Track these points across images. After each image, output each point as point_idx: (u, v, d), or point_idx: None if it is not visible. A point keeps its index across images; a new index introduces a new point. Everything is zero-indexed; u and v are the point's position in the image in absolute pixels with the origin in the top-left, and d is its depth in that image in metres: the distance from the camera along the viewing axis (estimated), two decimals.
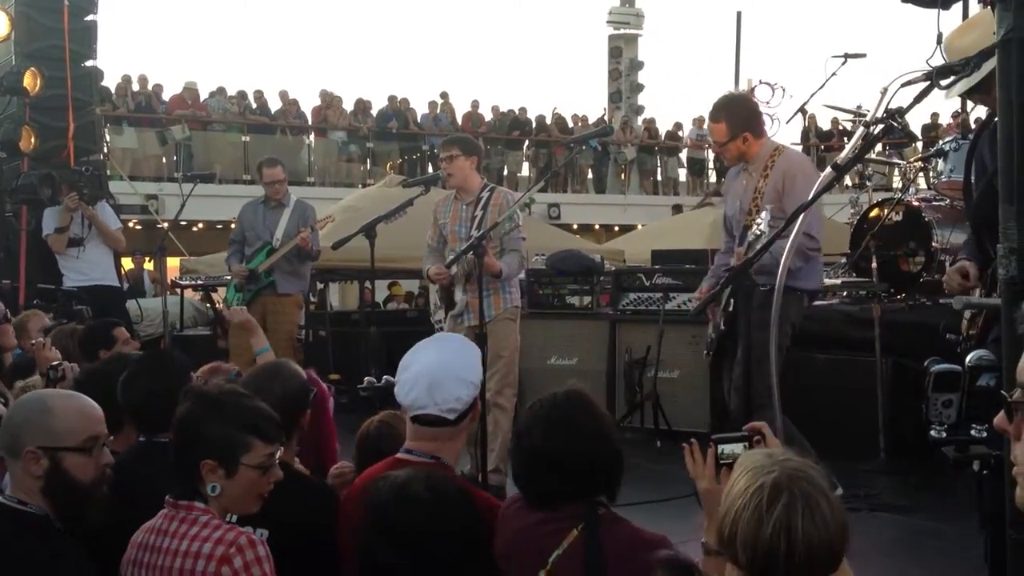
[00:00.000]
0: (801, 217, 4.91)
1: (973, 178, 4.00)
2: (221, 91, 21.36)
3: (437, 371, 3.07)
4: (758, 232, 4.86)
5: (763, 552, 1.95)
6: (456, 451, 3.15)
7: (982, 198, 3.33)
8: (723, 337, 5.85)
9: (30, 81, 8.60)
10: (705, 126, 11.01)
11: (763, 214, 4.97)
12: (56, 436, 2.77)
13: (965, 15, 9.14)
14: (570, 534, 2.57)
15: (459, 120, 23.35)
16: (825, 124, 22.86)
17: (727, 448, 2.50)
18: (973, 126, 8.99)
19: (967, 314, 3.84)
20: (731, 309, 5.69)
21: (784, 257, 5.50)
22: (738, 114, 5.90)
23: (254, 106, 21.41)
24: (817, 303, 8.70)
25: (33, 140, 8.71)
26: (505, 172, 23.53)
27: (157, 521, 2.73)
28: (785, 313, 5.40)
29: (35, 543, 2.69)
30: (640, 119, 28.31)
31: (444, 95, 23.95)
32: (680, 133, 25.84)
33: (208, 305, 13.38)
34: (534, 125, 24.21)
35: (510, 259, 6.33)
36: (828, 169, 4.55)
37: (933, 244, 7.86)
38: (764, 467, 2.01)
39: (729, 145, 5.85)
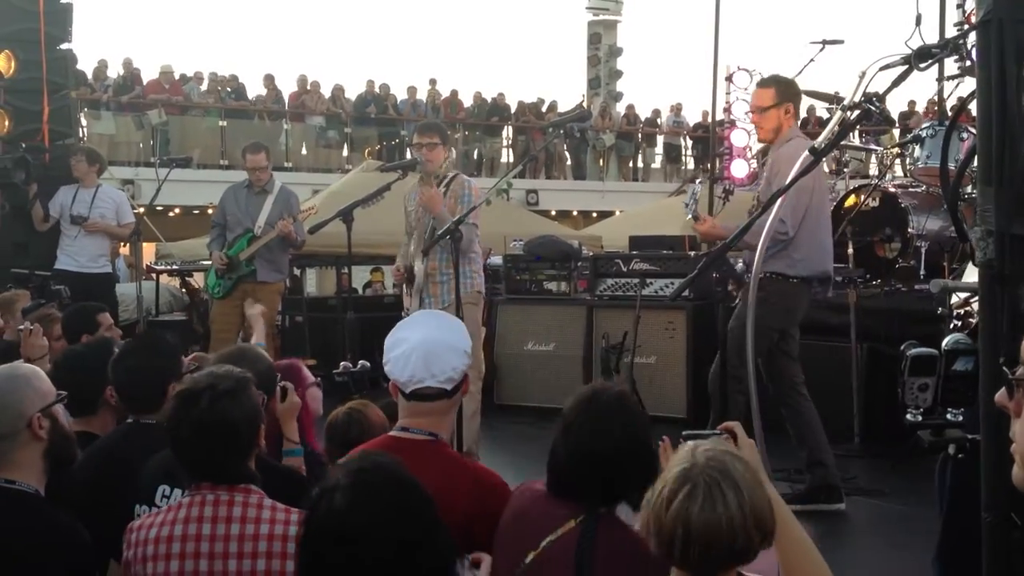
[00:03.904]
0: (778, 203, 4.93)
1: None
2: (197, 76, 21.20)
3: (430, 344, 3.01)
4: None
5: (664, 537, 2.03)
6: (450, 425, 3.13)
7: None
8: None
9: (5, 64, 8.53)
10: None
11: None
12: (46, 395, 2.81)
13: (942, 2, 9.17)
14: (567, 524, 2.56)
15: (439, 106, 23.24)
16: (801, 112, 22.88)
17: None
18: (949, 113, 9.03)
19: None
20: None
21: (761, 244, 5.52)
22: (790, 88, 5.91)
23: (229, 89, 21.25)
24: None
25: (7, 123, 8.63)
26: (484, 159, 23.48)
27: (191, 510, 2.65)
28: (770, 300, 5.44)
29: (32, 520, 2.67)
30: (620, 106, 28.24)
31: (432, 81, 23.83)
32: (658, 120, 25.82)
33: (183, 290, 13.30)
34: (512, 111, 24.11)
35: None
36: (806, 154, 4.56)
37: (909, 230, 7.92)
38: (683, 458, 2.08)
39: (771, 111, 5.76)
